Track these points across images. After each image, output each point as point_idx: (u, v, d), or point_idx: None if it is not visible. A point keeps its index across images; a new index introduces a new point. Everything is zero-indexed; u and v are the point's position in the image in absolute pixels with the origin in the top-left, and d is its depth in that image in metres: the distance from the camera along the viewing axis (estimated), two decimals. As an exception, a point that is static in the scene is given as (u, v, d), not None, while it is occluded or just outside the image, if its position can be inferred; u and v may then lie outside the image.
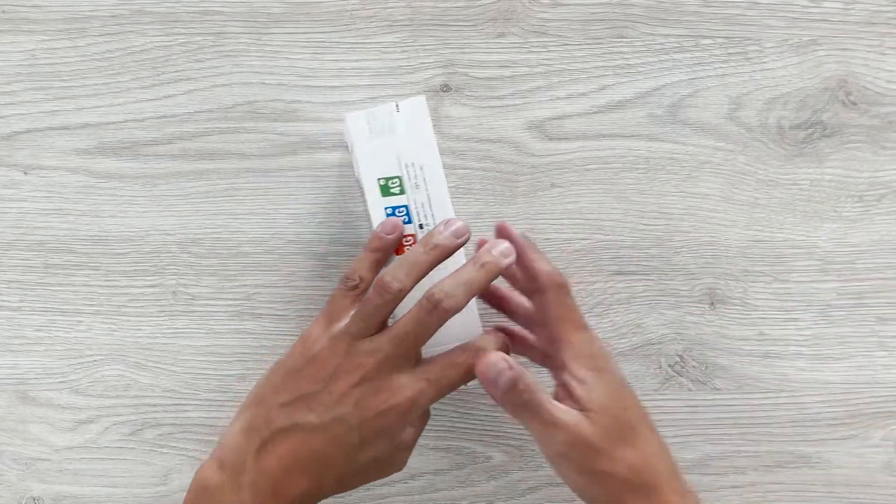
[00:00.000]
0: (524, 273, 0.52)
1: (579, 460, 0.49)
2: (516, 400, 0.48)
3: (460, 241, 0.50)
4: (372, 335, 0.48)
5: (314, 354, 0.49)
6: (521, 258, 0.51)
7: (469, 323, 0.51)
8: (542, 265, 0.51)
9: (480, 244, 0.51)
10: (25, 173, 0.58)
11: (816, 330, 0.59)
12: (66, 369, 0.58)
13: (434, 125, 0.58)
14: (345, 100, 0.58)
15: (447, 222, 0.50)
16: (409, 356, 0.49)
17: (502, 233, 0.52)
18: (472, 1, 0.59)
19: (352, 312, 0.49)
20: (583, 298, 0.59)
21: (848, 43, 0.59)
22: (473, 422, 0.59)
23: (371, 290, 0.49)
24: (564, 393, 0.49)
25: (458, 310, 0.48)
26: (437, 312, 0.48)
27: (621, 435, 0.48)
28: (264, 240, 0.58)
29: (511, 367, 0.48)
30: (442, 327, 0.48)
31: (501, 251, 0.50)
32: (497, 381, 0.48)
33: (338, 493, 0.49)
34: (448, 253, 0.49)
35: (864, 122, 0.59)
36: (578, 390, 0.49)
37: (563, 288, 0.50)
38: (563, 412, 0.48)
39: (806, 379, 0.59)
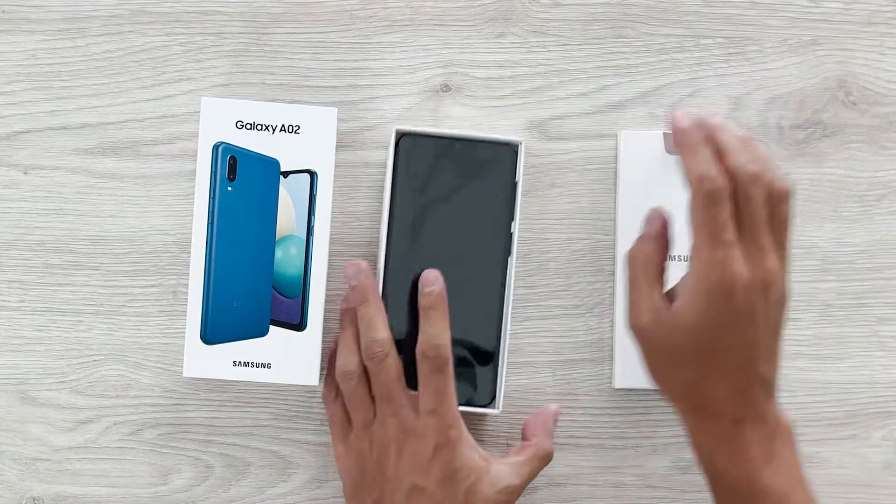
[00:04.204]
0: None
1: (653, 352, 0.50)
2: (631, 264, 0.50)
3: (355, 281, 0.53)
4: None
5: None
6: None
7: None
8: (691, 164, 0.46)
9: None
10: (25, 173, 0.58)
11: (816, 330, 0.59)
12: (66, 369, 0.58)
13: (434, 125, 0.58)
14: (345, 100, 0.58)
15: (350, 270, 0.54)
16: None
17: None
18: (472, 1, 0.58)
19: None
20: (582, 298, 0.59)
21: (848, 43, 0.59)
22: (473, 422, 0.59)
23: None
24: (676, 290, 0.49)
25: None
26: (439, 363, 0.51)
27: (704, 350, 0.47)
28: (264, 240, 0.58)
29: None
30: None
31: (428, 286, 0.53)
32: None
33: None
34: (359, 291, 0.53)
35: (864, 122, 0.59)
36: (681, 298, 0.47)
37: (707, 195, 0.45)
38: (667, 304, 0.48)
39: (806, 379, 0.59)
